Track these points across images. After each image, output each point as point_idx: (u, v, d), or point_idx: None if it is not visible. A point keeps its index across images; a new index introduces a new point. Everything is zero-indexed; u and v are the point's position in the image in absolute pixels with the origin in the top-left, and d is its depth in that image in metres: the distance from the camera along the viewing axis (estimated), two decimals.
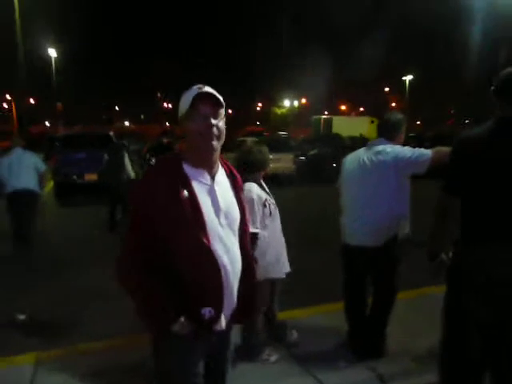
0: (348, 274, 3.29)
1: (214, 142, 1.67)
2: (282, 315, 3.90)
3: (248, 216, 1.97)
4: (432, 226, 2.21)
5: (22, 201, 6.12)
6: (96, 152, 10.16)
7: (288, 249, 3.27)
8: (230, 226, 1.73)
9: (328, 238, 6.52)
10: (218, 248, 1.66)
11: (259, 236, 2.91)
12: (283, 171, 14.28)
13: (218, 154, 1.73)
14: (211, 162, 1.72)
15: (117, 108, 74.93)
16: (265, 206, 2.95)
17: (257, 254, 2.83)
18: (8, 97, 62.78)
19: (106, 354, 3.32)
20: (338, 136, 24.44)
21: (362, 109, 74.48)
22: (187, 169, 1.68)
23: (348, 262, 3.27)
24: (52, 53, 34.27)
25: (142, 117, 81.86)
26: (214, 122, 1.66)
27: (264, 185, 3.14)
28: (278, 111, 59.57)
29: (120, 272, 1.68)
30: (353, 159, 3.22)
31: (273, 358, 3.21)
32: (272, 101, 64.05)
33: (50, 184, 11.39)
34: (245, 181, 2.88)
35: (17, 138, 6.68)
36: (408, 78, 47.99)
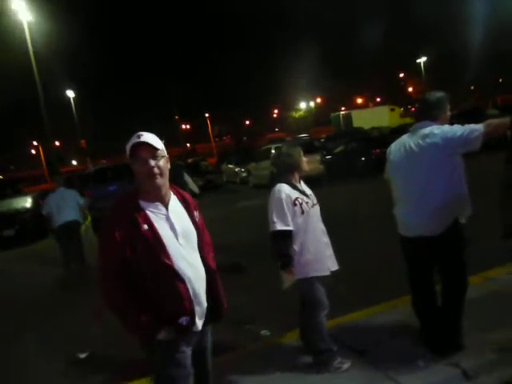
0: (411, 267, 3.11)
1: (158, 180, 1.98)
2: (341, 319, 3.77)
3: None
4: (502, 201, 2.04)
5: (69, 231, 7.32)
6: (126, 182, 10.30)
7: (337, 250, 3.18)
8: (189, 244, 2.05)
9: (374, 232, 6.43)
10: (181, 266, 1.98)
11: (293, 234, 2.98)
12: (311, 173, 14.11)
13: (165, 187, 2.04)
14: (162, 196, 2.03)
15: None
16: (295, 204, 2.99)
17: (294, 252, 2.98)
18: (35, 143, 64.97)
19: None
20: (360, 130, 24.13)
21: (378, 99, 73.55)
22: (143, 204, 2.00)
23: (409, 254, 3.10)
24: (70, 94, 35.27)
25: (164, 141, 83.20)
26: (152, 163, 1.96)
27: (300, 185, 3.19)
28: (296, 114, 59.38)
29: (104, 297, 1.97)
30: (397, 147, 3.06)
31: (345, 366, 3.05)
32: (287, 106, 63.99)
33: (88, 219, 11.64)
34: (277, 182, 3.11)
35: (60, 179, 8.21)
36: (422, 59, 46.94)
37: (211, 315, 2.16)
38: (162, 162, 2.00)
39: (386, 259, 4.97)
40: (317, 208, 3.17)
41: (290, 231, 2.97)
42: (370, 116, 31.22)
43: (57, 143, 51.44)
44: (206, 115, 68.87)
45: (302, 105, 61.25)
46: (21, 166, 76.13)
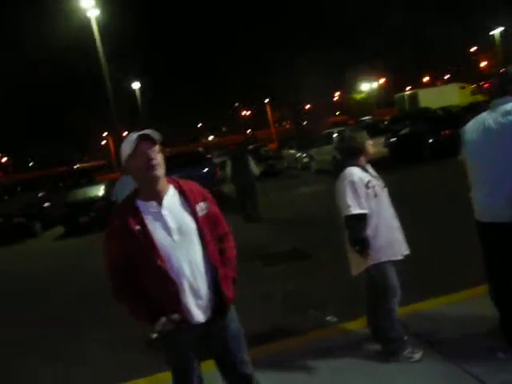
0: (488, 255, 2.92)
1: (158, 171, 2.04)
2: (412, 307, 3.64)
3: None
4: None
5: None
6: (191, 169, 10.58)
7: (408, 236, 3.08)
8: (186, 239, 2.06)
9: (446, 217, 6.13)
10: (174, 263, 2.03)
11: (367, 217, 2.91)
12: (375, 156, 13.67)
13: (163, 181, 2.09)
14: (158, 191, 2.08)
15: (199, 125, 78.46)
16: (368, 187, 2.92)
17: (368, 236, 2.91)
18: (105, 134, 68.43)
19: None
20: (427, 110, 22.96)
21: (447, 76, 69.48)
22: (139, 204, 2.08)
23: (486, 241, 2.90)
24: (136, 85, 36.66)
25: (224, 129, 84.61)
26: (152, 155, 2.02)
27: (369, 168, 3.13)
28: (357, 97, 57.62)
29: (112, 293, 2.15)
30: (475, 126, 2.85)
31: (417, 356, 2.95)
32: (349, 88, 62.25)
33: None
34: (346, 166, 3.03)
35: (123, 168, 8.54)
36: (497, 31, 43.45)
37: (218, 309, 2.14)
38: (159, 156, 2.07)
39: (460, 246, 4.74)
40: (386, 191, 3.10)
41: (365, 214, 2.90)
42: (438, 95, 29.56)
43: (125, 133, 53.87)
44: (266, 101, 68.86)
45: (365, 86, 59.33)
46: (93, 156, 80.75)
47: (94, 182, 19.86)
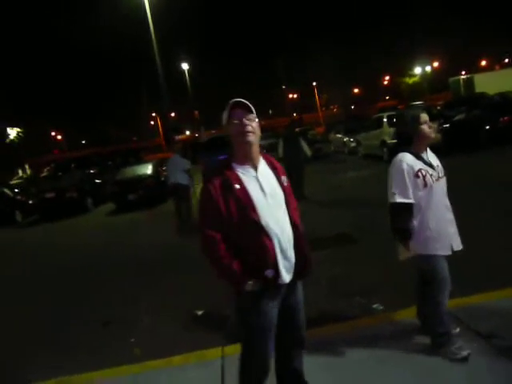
0: None
1: (250, 137, 2.16)
2: (465, 300, 3.49)
3: (394, 183, 2.75)
4: None
5: (178, 192, 9.03)
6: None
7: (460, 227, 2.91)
8: (277, 203, 2.22)
9: (502, 209, 5.82)
10: (268, 222, 2.15)
11: (413, 207, 2.76)
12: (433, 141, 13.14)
13: (257, 148, 2.23)
14: (253, 157, 2.22)
15: None
16: (417, 176, 2.75)
17: (413, 227, 2.78)
18: (153, 114, 69.89)
19: None
20: (484, 95, 21.79)
21: (506, 60, 65.50)
22: (236, 167, 2.22)
23: None
24: (185, 66, 37.03)
25: (271, 112, 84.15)
26: (246, 122, 2.16)
27: (426, 154, 2.90)
28: (409, 80, 55.48)
29: (203, 247, 2.21)
30: None
31: (464, 353, 2.80)
32: (400, 71, 60.03)
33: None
34: (399, 151, 2.86)
35: (178, 148, 10.49)
36: None
37: (299, 271, 2.28)
38: (254, 123, 2.19)
39: None
40: (443, 181, 2.88)
41: (411, 204, 2.75)
42: (496, 80, 27.92)
43: (172, 114, 54.79)
44: (314, 84, 67.75)
45: (417, 70, 56.96)
46: (142, 136, 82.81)
47: (142, 161, 20.40)
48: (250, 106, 2.19)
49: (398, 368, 2.86)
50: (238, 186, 2.15)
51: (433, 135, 2.88)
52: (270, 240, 2.15)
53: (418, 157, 2.84)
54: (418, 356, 2.92)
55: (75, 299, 5.69)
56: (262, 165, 2.29)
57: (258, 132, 2.23)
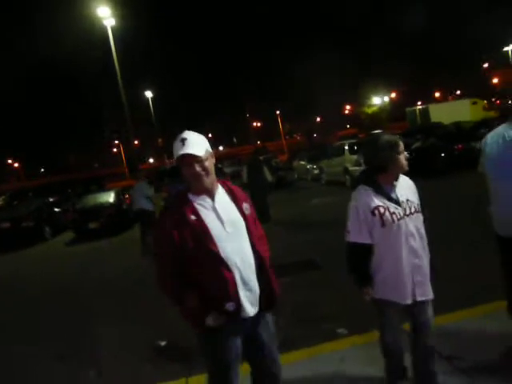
0: (508, 268, 2.84)
1: (204, 179, 2.13)
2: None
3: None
4: None
5: (143, 217, 9.42)
6: None
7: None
8: (237, 231, 2.15)
9: (464, 233, 6.03)
10: (227, 252, 2.08)
11: (371, 247, 2.51)
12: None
13: (211, 182, 2.16)
14: (208, 189, 2.16)
15: (210, 135, 79.00)
16: (374, 214, 2.43)
17: (372, 267, 2.56)
18: (116, 142, 69.02)
19: None
20: (439, 124, 22.87)
21: (458, 92, 69.34)
22: (192, 197, 2.16)
23: (506, 255, 2.83)
24: (148, 94, 37.04)
25: (235, 140, 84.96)
26: (198, 168, 2.10)
27: (394, 187, 2.51)
28: (369, 110, 57.55)
29: (158, 282, 2.18)
30: (494, 139, 2.80)
31: None
32: (360, 102, 62.29)
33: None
34: (360, 182, 2.59)
35: (141, 175, 11.06)
36: (510, 47, 43.33)
37: (265, 302, 2.21)
38: (207, 163, 2.14)
39: (479, 261, 4.64)
40: (413, 219, 2.49)
41: (368, 245, 2.50)
42: (450, 110, 29.43)
43: (136, 142, 54.34)
44: (277, 112, 69.12)
45: (376, 100, 59.35)
46: (104, 163, 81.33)
47: (103, 189, 19.97)
48: (198, 146, 2.11)
49: None
50: (193, 218, 2.09)
51: (405, 166, 2.51)
52: (230, 271, 2.08)
53: (380, 191, 2.49)
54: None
55: (31, 333, 5.40)
56: (221, 193, 2.23)
57: (212, 167, 2.16)
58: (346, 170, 14.81)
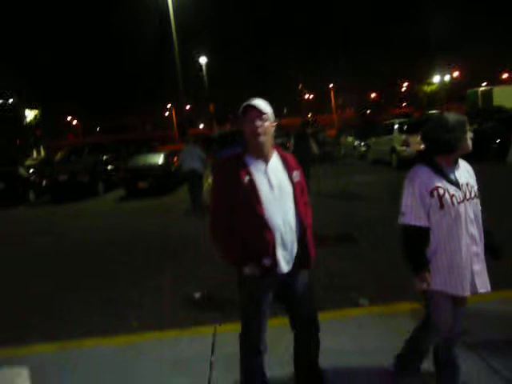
0: None
1: (261, 138, 2.30)
2: None
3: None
4: None
5: (193, 177, 10.28)
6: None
7: None
8: (284, 196, 2.35)
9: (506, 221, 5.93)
10: (272, 215, 2.29)
11: (428, 231, 2.32)
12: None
13: (268, 144, 2.35)
14: (264, 153, 2.36)
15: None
16: (432, 195, 2.29)
17: (428, 254, 2.36)
18: (169, 105, 70.31)
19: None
20: (501, 108, 21.69)
21: None
22: (248, 159, 2.37)
23: None
24: (203, 60, 37.27)
25: (285, 110, 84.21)
26: (258, 124, 2.28)
27: (453, 169, 2.36)
28: (427, 89, 55.15)
29: (210, 229, 2.41)
30: None
31: None
32: (419, 79, 59.65)
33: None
34: (419, 161, 2.41)
35: (191, 138, 12.46)
36: None
37: (301, 263, 2.43)
38: (266, 123, 2.31)
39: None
40: (472, 204, 2.35)
41: (423, 228, 2.32)
42: None
43: (187, 107, 55.06)
44: (330, 85, 67.66)
45: (436, 79, 56.61)
46: (156, 126, 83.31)
47: (154, 151, 20.64)
48: (264, 106, 2.31)
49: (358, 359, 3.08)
50: (246, 180, 2.29)
51: (469, 147, 2.33)
52: (272, 232, 2.28)
53: (440, 171, 2.35)
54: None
55: (80, 278, 6.01)
56: (274, 159, 2.41)
57: (270, 131, 2.34)
58: (394, 150, 14.55)
